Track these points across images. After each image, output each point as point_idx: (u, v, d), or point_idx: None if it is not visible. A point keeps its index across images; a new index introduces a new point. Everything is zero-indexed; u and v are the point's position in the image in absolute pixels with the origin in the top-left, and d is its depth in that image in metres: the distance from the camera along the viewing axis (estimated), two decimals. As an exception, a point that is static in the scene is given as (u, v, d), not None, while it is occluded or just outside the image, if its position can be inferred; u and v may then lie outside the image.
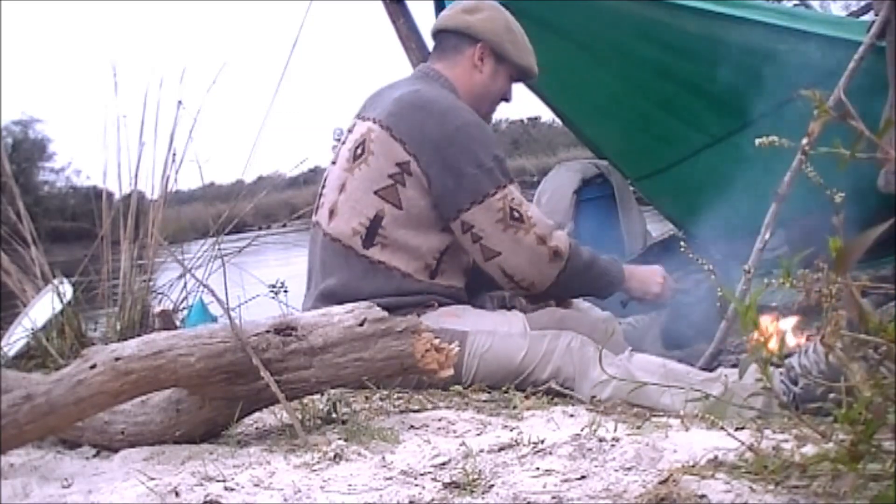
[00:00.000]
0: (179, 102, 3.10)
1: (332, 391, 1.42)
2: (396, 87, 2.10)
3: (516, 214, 1.93)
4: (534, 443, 1.11)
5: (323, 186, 2.10)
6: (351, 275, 1.94)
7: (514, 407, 1.55)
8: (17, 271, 3.03)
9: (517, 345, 1.86)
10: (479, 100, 2.12)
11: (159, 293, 3.09)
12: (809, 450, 0.88)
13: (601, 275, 2.05)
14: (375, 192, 1.94)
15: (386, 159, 1.95)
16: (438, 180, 1.92)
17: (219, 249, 3.02)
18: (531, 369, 1.84)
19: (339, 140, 2.28)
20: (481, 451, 1.11)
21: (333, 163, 2.10)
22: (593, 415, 1.38)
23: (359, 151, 2.00)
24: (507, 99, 2.22)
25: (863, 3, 3.30)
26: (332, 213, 2.01)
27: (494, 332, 1.88)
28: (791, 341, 1.71)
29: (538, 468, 1.01)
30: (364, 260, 1.94)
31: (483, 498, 0.95)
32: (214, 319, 2.69)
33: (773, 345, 0.83)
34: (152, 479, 1.09)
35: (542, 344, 1.85)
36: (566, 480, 0.96)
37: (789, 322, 1.67)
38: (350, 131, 2.09)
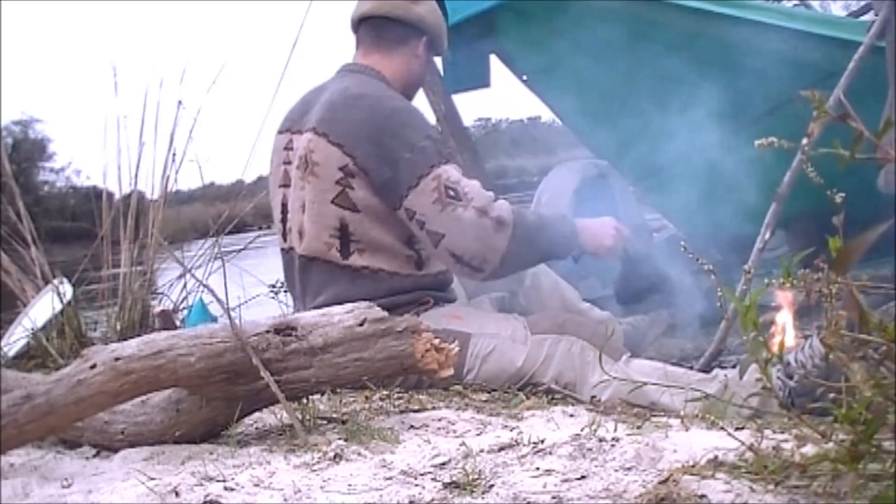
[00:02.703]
0: (179, 102, 3.11)
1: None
2: (323, 89, 2.05)
3: (451, 193, 1.86)
4: (534, 443, 1.11)
5: (284, 212, 2.04)
6: (339, 288, 1.92)
7: (516, 406, 1.55)
8: (17, 271, 3.04)
9: (519, 349, 1.86)
10: (411, 87, 2.13)
11: (159, 293, 3.09)
12: (809, 450, 0.88)
13: (553, 235, 1.97)
14: (332, 202, 1.92)
15: (329, 167, 1.91)
16: (377, 173, 1.89)
17: (219, 249, 3.03)
18: (532, 374, 1.84)
19: None
20: (481, 451, 1.11)
21: (287, 185, 2.03)
22: (593, 415, 1.38)
23: (305, 166, 1.95)
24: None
25: (863, 3, 3.30)
26: (301, 234, 1.98)
27: (497, 336, 1.88)
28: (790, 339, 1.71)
29: (538, 468, 1.01)
30: (347, 270, 1.92)
31: (483, 498, 0.95)
32: (214, 319, 2.69)
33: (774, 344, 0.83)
34: (152, 479, 1.09)
35: (542, 349, 1.85)
36: (566, 480, 0.96)
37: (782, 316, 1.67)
38: (289, 148, 2.03)
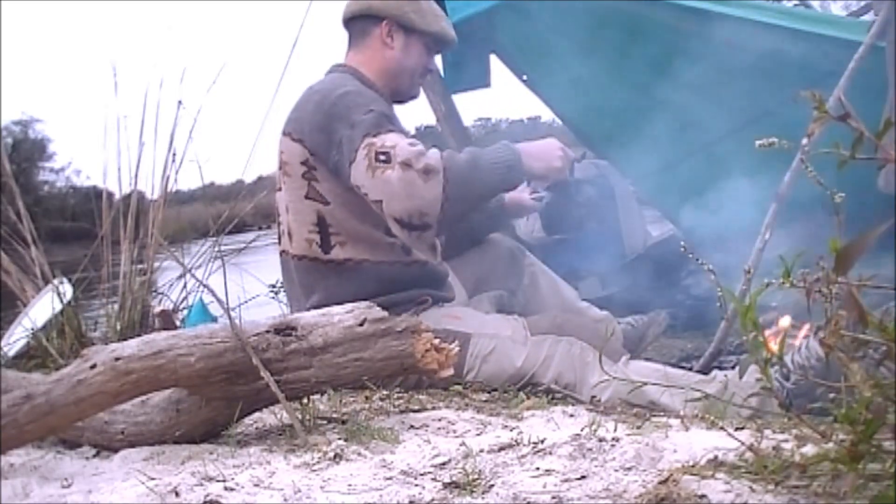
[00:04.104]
0: (179, 102, 3.11)
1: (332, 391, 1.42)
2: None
3: (382, 157, 1.78)
4: (534, 443, 1.11)
5: (278, 215, 2.09)
6: (329, 284, 1.94)
7: (516, 406, 1.55)
8: (17, 271, 3.04)
9: (518, 349, 1.86)
10: (396, 76, 2.10)
11: (159, 293, 3.09)
12: (809, 450, 0.88)
13: (494, 166, 1.86)
14: (305, 197, 1.95)
15: (295, 164, 1.96)
16: (327, 159, 1.91)
17: (219, 249, 3.03)
18: (532, 374, 1.84)
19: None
20: (481, 451, 1.11)
21: (279, 189, 2.07)
22: (593, 415, 1.38)
23: (281, 167, 2.01)
24: (429, 70, 2.19)
25: (863, 3, 3.30)
26: (290, 235, 2.01)
27: (497, 336, 1.88)
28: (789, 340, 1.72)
29: (538, 468, 1.01)
30: (332, 265, 1.94)
31: (483, 498, 0.95)
32: (214, 319, 2.69)
33: (774, 345, 0.83)
34: (152, 479, 1.09)
35: (542, 349, 1.85)
36: (566, 480, 0.96)
37: (786, 322, 1.66)
38: (282, 152, 2.06)
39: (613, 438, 1.06)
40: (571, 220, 2.14)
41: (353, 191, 1.88)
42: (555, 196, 2.18)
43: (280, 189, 2.06)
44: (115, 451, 1.33)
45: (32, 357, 2.63)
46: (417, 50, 2.13)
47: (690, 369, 2.05)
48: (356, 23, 2.14)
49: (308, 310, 1.89)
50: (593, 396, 1.77)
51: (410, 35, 2.11)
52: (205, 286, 1.87)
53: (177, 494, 1.03)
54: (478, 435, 1.27)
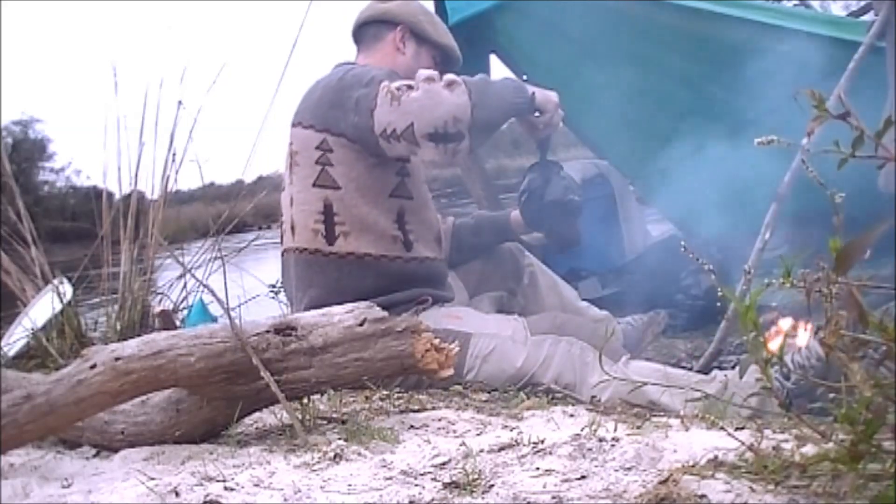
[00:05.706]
0: (179, 102, 3.11)
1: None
2: None
3: (404, 87, 1.82)
4: (534, 443, 1.11)
5: (281, 215, 2.10)
6: (327, 278, 1.94)
7: (516, 406, 1.55)
8: (17, 271, 3.04)
9: (519, 349, 1.86)
10: None
11: (159, 293, 3.09)
12: (809, 450, 0.88)
13: (503, 84, 1.93)
14: (314, 185, 1.96)
15: (307, 150, 1.98)
16: (349, 128, 1.92)
17: (219, 249, 3.03)
18: (532, 374, 1.84)
19: None
20: (481, 451, 1.11)
21: (283, 189, 2.10)
22: (593, 415, 1.37)
23: (289, 160, 2.03)
24: None
25: (863, 3, 3.30)
26: (292, 229, 2.01)
27: (497, 336, 1.88)
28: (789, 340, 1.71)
29: (538, 468, 1.01)
30: (333, 258, 1.95)
31: (483, 498, 0.95)
32: (214, 319, 2.69)
33: (774, 345, 0.83)
34: (152, 479, 1.09)
35: (542, 349, 1.85)
36: (566, 480, 0.96)
37: (786, 322, 1.66)
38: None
39: (613, 438, 1.06)
40: (553, 198, 2.10)
41: (369, 172, 1.92)
42: (533, 177, 2.17)
43: (284, 188, 2.07)
44: (115, 451, 1.33)
45: (32, 357, 2.63)
46: (427, 60, 2.16)
47: (690, 369, 2.05)
48: (369, 27, 2.17)
49: (305, 306, 1.91)
50: (593, 396, 1.77)
51: (422, 44, 2.16)
52: (205, 286, 1.87)
53: (177, 494, 1.03)
54: (478, 435, 1.27)
